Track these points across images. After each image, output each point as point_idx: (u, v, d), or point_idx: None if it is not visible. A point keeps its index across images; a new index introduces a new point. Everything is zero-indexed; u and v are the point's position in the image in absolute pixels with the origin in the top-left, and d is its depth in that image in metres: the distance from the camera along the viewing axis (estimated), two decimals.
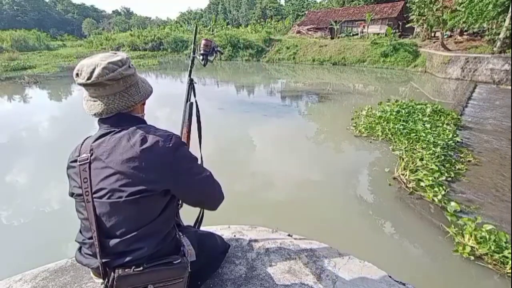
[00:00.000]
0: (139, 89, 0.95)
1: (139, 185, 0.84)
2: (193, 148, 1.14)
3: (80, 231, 0.96)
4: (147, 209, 0.89)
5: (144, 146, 0.84)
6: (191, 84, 1.37)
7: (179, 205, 1.34)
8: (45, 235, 3.17)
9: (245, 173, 4.63)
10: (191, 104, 1.34)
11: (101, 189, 0.85)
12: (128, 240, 0.88)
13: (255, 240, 1.68)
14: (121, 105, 0.90)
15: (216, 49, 1.37)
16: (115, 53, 0.92)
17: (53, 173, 4.45)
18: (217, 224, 1.85)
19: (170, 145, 0.88)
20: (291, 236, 1.74)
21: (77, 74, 0.86)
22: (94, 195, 0.86)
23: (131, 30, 36.67)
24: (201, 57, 1.35)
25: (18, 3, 60.42)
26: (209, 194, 1.01)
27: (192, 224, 1.45)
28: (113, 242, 0.87)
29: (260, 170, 4.71)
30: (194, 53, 1.36)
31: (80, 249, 0.97)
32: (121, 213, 0.86)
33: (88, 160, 0.86)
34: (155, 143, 0.86)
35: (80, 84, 0.87)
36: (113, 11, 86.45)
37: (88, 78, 0.84)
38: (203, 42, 1.35)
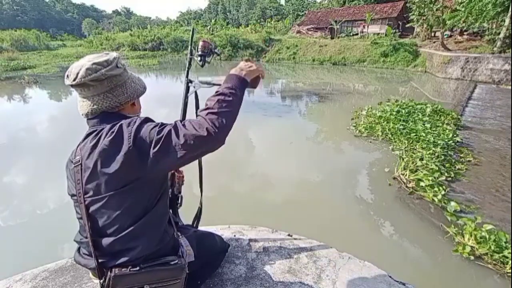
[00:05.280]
0: (125, 89, 0.95)
1: (119, 177, 0.83)
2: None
3: (79, 231, 0.97)
4: (136, 203, 0.88)
5: (112, 136, 0.82)
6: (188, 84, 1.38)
7: (179, 204, 1.33)
8: (45, 235, 3.16)
9: (245, 173, 4.62)
10: (196, 93, 1.31)
11: (90, 188, 0.86)
12: (122, 239, 0.88)
13: (255, 240, 1.68)
14: (105, 106, 0.91)
15: (214, 50, 1.37)
16: (106, 53, 0.93)
17: (53, 173, 4.44)
18: (217, 224, 1.85)
19: (135, 126, 0.82)
20: (291, 236, 1.74)
21: (67, 76, 0.88)
22: (85, 196, 0.87)
23: (131, 30, 36.64)
24: (198, 58, 1.35)
25: (18, 3, 60.39)
26: (188, 135, 0.78)
27: (190, 222, 1.46)
28: (107, 241, 0.88)
29: (260, 170, 4.71)
30: (191, 54, 1.36)
31: (78, 249, 0.99)
32: (110, 209, 0.86)
33: (80, 162, 0.87)
34: (119, 128, 0.83)
35: (68, 85, 0.89)
36: (113, 11, 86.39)
37: (74, 79, 0.86)
38: (201, 43, 1.35)
